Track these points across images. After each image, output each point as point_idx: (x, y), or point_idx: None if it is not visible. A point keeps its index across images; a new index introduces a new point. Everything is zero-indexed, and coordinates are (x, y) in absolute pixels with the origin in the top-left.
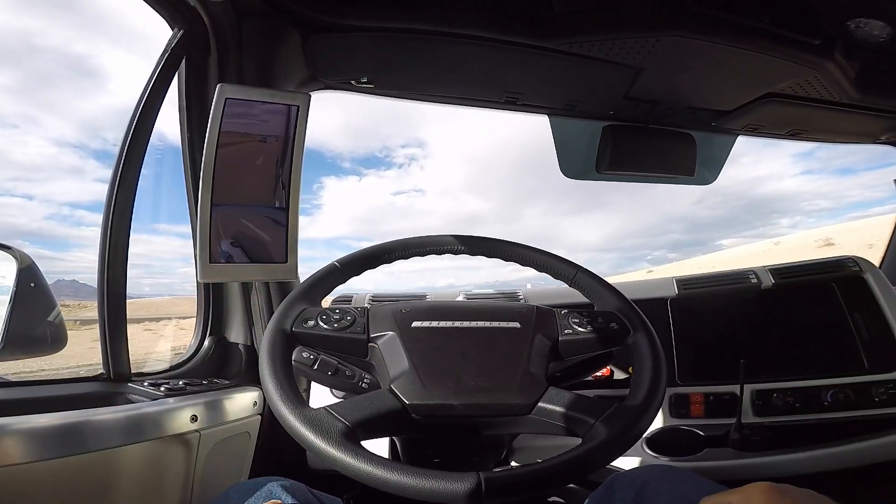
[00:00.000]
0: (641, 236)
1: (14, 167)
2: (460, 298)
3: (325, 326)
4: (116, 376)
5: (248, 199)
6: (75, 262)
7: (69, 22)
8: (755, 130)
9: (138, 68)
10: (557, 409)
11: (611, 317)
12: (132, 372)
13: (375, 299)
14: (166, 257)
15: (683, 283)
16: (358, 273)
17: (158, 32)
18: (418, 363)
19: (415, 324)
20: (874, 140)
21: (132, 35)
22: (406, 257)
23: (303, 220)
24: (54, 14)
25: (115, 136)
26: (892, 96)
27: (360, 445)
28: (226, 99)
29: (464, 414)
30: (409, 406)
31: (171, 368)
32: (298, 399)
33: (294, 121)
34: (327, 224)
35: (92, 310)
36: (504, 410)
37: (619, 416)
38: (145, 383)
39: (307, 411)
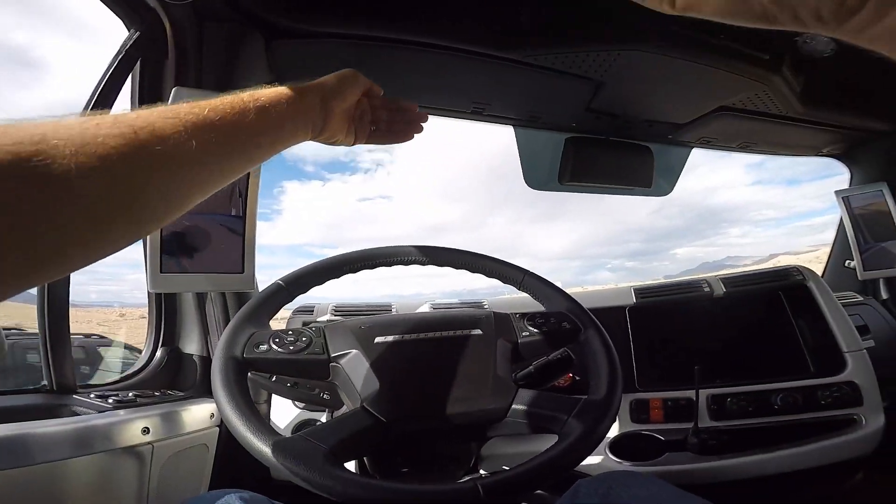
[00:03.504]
0: (603, 245)
1: None
2: (425, 308)
3: (279, 350)
4: (60, 387)
5: (202, 206)
6: None
7: (10, 9)
8: (708, 143)
9: (85, 61)
10: (530, 409)
11: (562, 317)
12: (77, 384)
13: (339, 309)
14: (112, 262)
15: (641, 291)
16: (304, 291)
17: (104, 23)
18: (389, 379)
19: (378, 339)
20: (818, 153)
21: (78, 26)
22: (353, 272)
23: (262, 226)
24: None
25: None
26: (833, 110)
27: (345, 468)
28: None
29: (442, 424)
30: (386, 422)
31: (121, 380)
32: (269, 429)
33: None
34: (289, 230)
35: (131, 317)
36: (481, 416)
37: (590, 409)
38: (92, 395)
39: (283, 441)
